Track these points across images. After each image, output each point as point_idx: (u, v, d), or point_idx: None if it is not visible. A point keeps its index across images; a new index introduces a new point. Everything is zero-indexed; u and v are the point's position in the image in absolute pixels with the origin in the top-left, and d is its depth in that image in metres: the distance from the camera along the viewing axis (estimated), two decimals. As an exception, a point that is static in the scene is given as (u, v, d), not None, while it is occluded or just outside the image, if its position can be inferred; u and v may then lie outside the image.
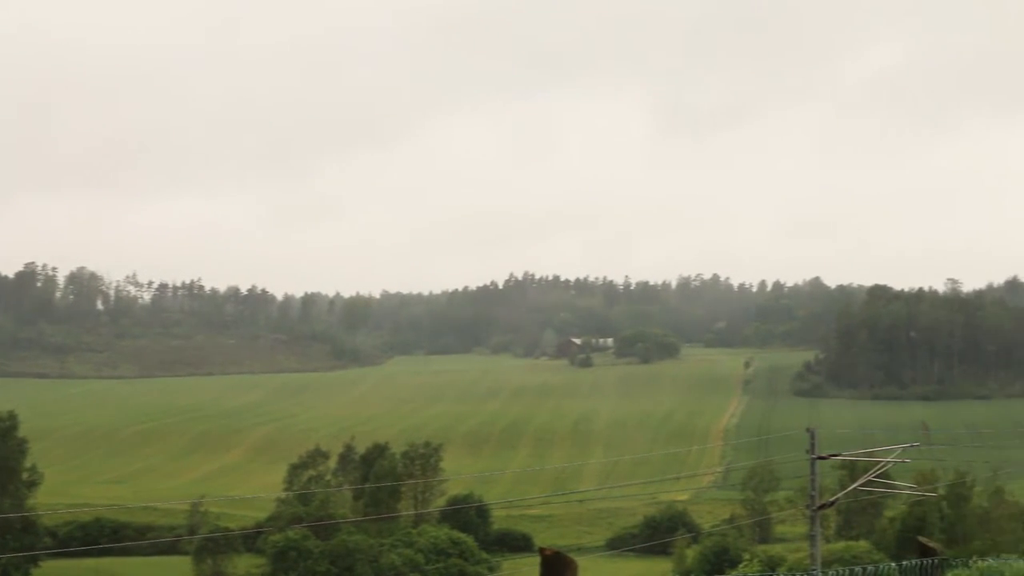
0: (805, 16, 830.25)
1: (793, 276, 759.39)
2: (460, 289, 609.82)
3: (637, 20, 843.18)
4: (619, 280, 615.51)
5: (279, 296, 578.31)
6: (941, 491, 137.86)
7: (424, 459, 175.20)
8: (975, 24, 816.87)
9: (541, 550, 9.06)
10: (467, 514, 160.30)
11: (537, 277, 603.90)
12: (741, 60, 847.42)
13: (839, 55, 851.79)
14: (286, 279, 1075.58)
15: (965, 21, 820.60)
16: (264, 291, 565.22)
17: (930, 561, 14.03)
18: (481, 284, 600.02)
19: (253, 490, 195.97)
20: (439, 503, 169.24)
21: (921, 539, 15.18)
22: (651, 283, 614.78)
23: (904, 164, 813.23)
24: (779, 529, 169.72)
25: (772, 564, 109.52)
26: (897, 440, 70.96)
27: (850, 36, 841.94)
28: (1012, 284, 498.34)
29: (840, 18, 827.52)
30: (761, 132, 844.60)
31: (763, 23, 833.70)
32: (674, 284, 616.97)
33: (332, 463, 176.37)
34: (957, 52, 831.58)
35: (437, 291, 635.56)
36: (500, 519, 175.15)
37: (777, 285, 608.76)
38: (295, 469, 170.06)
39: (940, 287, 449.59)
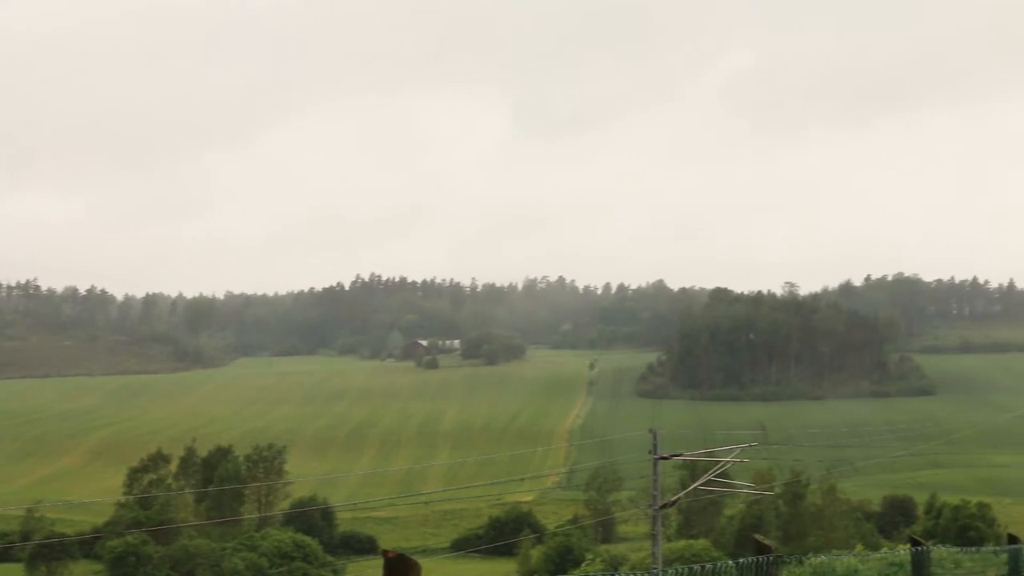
0: (661, 23, 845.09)
1: (637, 278, 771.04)
2: (306, 290, 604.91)
3: (497, 21, 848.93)
4: (466, 282, 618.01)
5: (119, 297, 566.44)
6: (778, 490, 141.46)
7: (268, 462, 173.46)
8: (822, 35, 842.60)
9: (384, 552, 9.05)
10: (312, 517, 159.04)
11: (384, 279, 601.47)
12: (598, 64, 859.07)
13: (694, 61, 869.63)
14: (127, 280, 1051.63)
15: (813, 32, 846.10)
16: (104, 291, 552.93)
17: (765, 558, 14.40)
18: (327, 285, 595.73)
19: (91, 494, 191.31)
20: (283, 506, 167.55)
21: (757, 537, 15.58)
22: (497, 285, 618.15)
23: (749, 170, 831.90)
24: (622, 529, 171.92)
25: (615, 563, 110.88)
26: (737, 440, 72.58)
27: (703, 44, 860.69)
28: (846, 288, 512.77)
29: (695, 26, 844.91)
30: (612, 136, 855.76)
31: (622, 28, 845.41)
32: (520, 286, 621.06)
33: (174, 466, 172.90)
34: (805, 61, 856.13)
35: (283, 292, 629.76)
36: (345, 521, 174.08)
37: (622, 287, 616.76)
38: (135, 473, 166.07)
39: (778, 290, 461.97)
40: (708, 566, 13.21)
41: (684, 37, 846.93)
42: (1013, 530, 40.60)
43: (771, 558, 14.46)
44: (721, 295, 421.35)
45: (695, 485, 63.75)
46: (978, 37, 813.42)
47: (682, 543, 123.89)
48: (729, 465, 63.25)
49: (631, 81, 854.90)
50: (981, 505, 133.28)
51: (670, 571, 12.20)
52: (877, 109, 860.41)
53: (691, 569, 12.66)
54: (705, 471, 63.88)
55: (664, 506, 56.31)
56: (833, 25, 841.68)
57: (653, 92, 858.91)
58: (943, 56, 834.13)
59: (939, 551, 20.00)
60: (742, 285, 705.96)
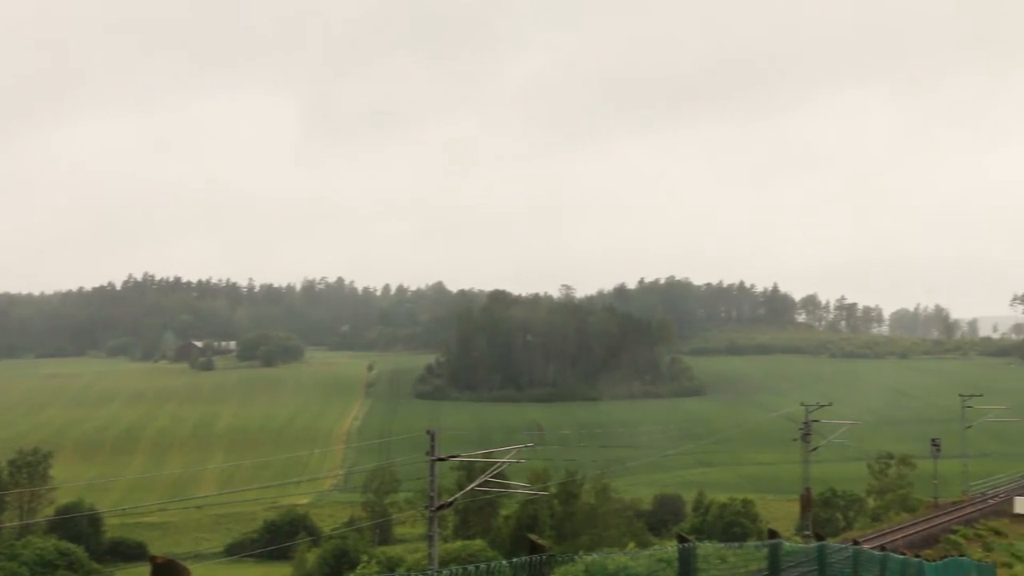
0: (463, 24, 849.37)
1: (416, 280, 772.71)
2: (75, 290, 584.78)
3: (287, 20, 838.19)
4: (243, 282, 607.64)
5: None
6: (552, 490, 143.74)
7: (32, 467, 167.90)
8: (608, 43, 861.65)
9: (152, 558, 8.81)
10: (78, 523, 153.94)
11: (157, 279, 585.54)
12: (390, 67, 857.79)
13: (489, 66, 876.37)
14: None
15: (608, 39, 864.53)
16: None
17: (539, 557, 14.58)
18: (97, 285, 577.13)
19: None
20: (47, 513, 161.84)
21: (531, 536, 15.80)
22: (275, 286, 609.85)
23: (532, 173, 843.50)
24: (400, 530, 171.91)
25: (391, 565, 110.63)
26: (514, 441, 73.56)
27: (496, 49, 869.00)
28: (620, 291, 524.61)
29: (494, 32, 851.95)
30: (400, 138, 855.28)
31: (417, 30, 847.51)
32: (299, 287, 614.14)
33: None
34: (593, 68, 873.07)
35: (49, 291, 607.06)
36: (114, 527, 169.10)
37: (401, 289, 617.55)
38: None
39: (555, 293, 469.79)
40: (483, 566, 13.30)
41: (480, 42, 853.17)
42: (774, 525, 42.29)
43: (544, 557, 14.65)
44: (499, 297, 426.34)
45: (472, 486, 64.34)
46: (758, 50, 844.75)
47: (459, 544, 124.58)
48: (505, 466, 64.09)
49: (426, 84, 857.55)
50: (745, 502, 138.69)
51: (445, 572, 12.25)
52: (657, 117, 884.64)
53: (466, 569, 12.72)
54: (482, 472, 64.56)
55: (441, 507, 56.61)
56: (619, 35, 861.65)
57: (446, 94, 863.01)
58: (721, 67, 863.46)
59: (705, 547, 20.64)
60: (520, 287, 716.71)
